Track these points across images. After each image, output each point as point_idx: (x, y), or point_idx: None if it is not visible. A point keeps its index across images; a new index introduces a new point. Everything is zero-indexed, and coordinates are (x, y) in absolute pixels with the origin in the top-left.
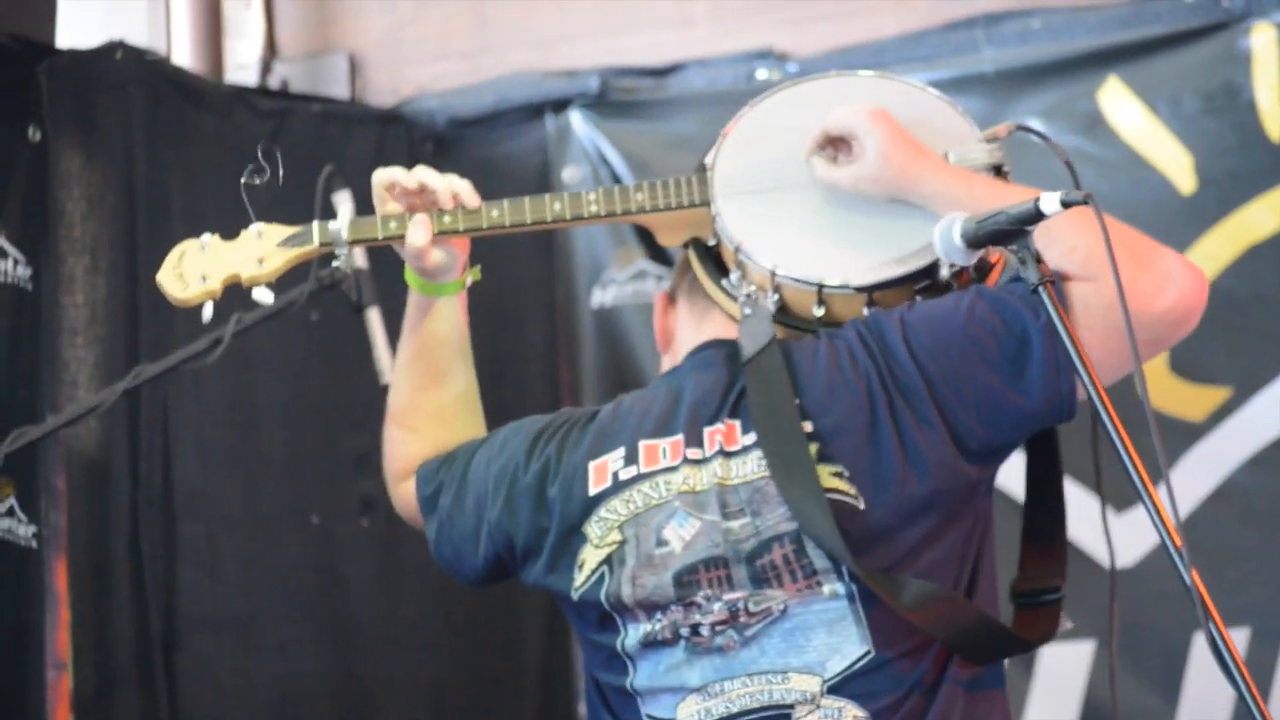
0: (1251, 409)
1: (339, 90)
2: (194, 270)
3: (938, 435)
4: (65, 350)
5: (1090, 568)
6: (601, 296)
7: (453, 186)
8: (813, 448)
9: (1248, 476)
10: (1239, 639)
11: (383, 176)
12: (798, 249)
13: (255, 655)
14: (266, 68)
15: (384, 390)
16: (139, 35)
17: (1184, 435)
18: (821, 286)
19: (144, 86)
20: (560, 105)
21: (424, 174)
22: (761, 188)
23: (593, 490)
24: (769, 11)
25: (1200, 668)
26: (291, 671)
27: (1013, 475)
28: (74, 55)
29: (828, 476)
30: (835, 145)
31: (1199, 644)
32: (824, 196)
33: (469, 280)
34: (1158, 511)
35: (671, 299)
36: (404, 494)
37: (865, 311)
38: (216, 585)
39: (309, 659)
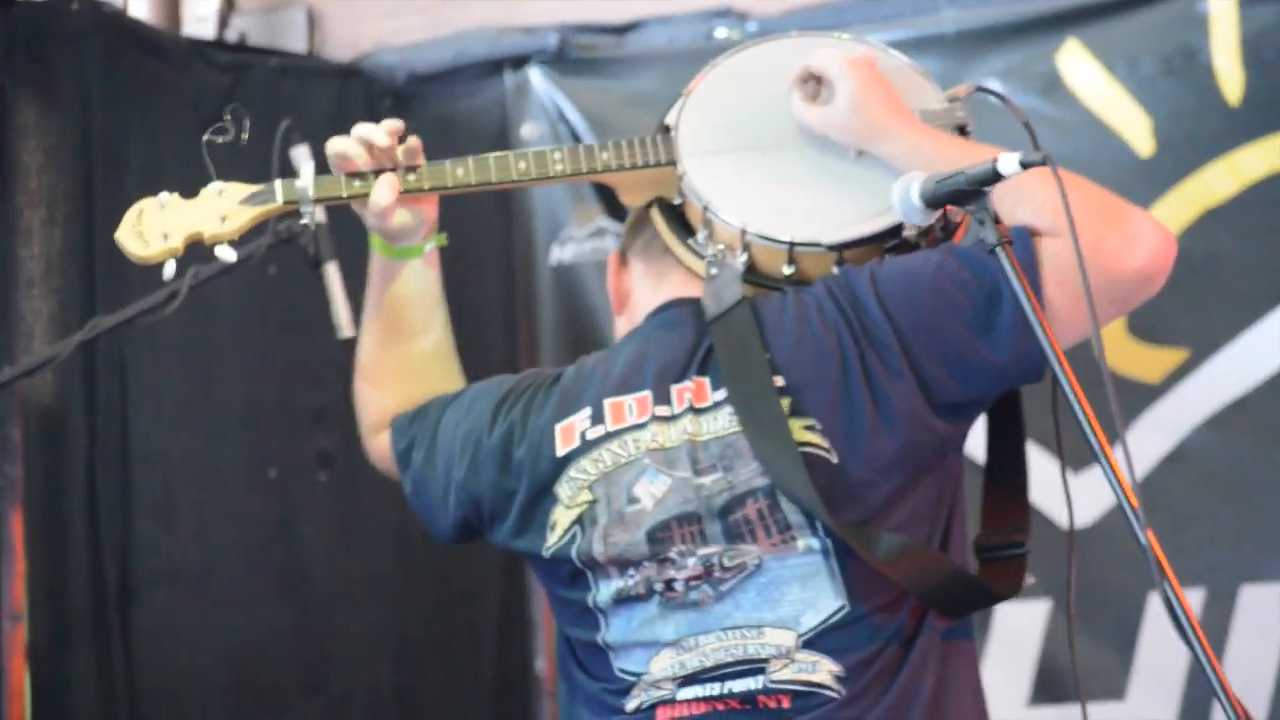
0: (1208, 371)
1: (297, 44)
2: (155, 228)
3: (907, 386)
4: (21, 302)
5: (1047, 527)
6: (560, 253)
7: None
8: (784, 402)
9: (1204, 438)
10: (1194, 599)
11: (338, 149)
12: (767, 208)
13: (212, 609)
14: (224, 21)
15: (342, 345)
16: None
17: (1141, 396)
18: (792, 245)
19: (101, 38)
20: (519, 61)
21: (370, 131)
22: (728, 146)
23: (561, 451)
24: None
25: (1155, 627)
26: (248, 625)
27: (978, 443)
28: (30, 6)
29: (800, 430)
30: (817, 83)
31: (1154, 604)
32: (792, 155)
33: (429, 246)
34: (1114, 472)
35: (624, 259)
36: (379, 446)
37: (834, 270)
38: (173, 539)
39: (266, 613)
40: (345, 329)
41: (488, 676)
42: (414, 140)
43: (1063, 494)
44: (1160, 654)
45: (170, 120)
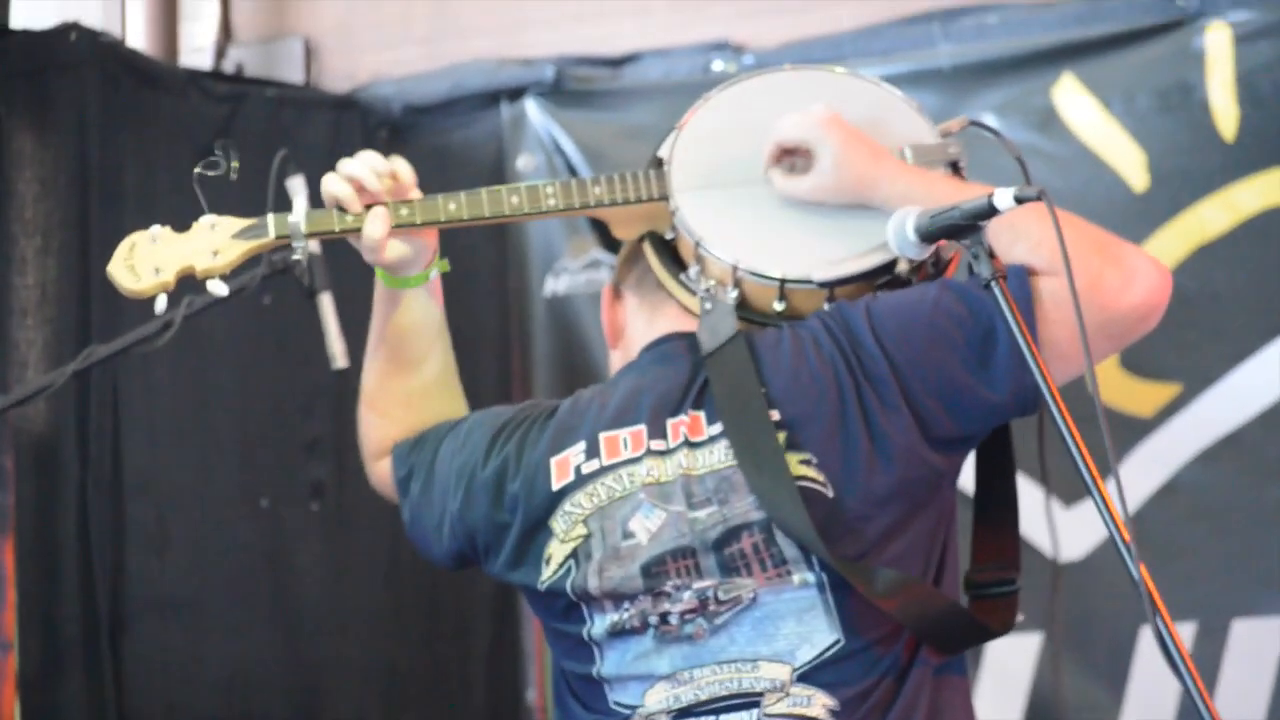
0: (1201, 405)
1: (294, 75)
2: (146, 262)
3: (904, 422)
4: (15, 331)
5: (1036, 559)
6: (554, 285)
7: (394, 170)
8: (780, 436)
9: (1196, 472)
10: (1185, 633)
11: (330, 190)
12: (759, 244)
13: (203, 638)
14: (221, 51)
15: (336, 376)
16: (93, 17)
17: (1133, 430)
18: (783, 282)
19: (98, 68)
20: (516, 93)
21: (360, 171)
22: (720, 182)
23: (556, 485)
24: (726, 3)
25: (1147, 661)
26: (239, 655)
27: (968, 474)
28: (28, 36)
29: (796, 464)
30: (791, 154)
31: (1146, 638)
32: None
33: (434, 274)
34: (1106, 506)
35: (618, 293)
36: (380, 472)
37: (826, 306)
38: (165, 568)
39: (257, 642)
40: (339, 360)
41: (479, 707)
42: (407, 173)
43: (1052, 526)
44: (1152, 688)
45: (166, 150)
